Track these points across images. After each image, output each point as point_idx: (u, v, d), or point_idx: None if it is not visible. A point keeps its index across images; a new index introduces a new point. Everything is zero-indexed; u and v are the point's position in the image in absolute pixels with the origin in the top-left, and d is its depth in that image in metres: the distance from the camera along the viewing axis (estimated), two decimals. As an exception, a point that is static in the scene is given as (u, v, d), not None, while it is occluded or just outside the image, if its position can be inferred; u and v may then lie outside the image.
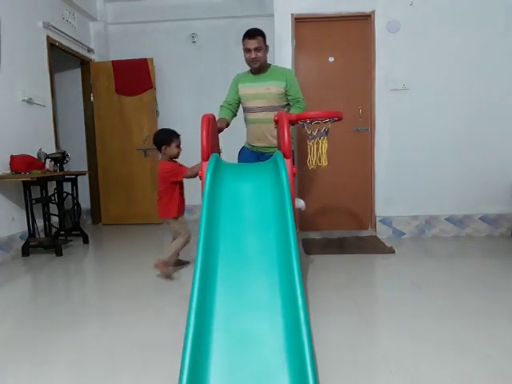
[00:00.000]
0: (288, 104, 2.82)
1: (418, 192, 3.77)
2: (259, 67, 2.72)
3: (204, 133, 2.05)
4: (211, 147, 2.07)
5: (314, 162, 2.25)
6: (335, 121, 2.24)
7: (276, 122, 2.29)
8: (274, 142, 2.74)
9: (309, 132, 2.25)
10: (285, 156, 2.01)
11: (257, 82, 2.76)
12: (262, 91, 2.73)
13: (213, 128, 2.25)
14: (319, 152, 2.24)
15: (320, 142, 2.23)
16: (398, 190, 3.78)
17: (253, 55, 2.65)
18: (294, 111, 2.70)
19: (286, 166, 1.89)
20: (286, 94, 2.76)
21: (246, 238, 1.77)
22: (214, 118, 2.30)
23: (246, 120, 2.92)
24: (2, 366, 1.65)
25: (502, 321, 1.94)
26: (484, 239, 3.64)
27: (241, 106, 2.93)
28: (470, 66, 3.64)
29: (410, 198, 3.78)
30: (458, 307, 2.11)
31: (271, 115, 2.47)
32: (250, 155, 2.92)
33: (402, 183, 3.77)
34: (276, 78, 2.74)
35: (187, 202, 2.91)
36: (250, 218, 1.83)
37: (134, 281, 2.71)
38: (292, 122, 2.23)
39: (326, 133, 2.24)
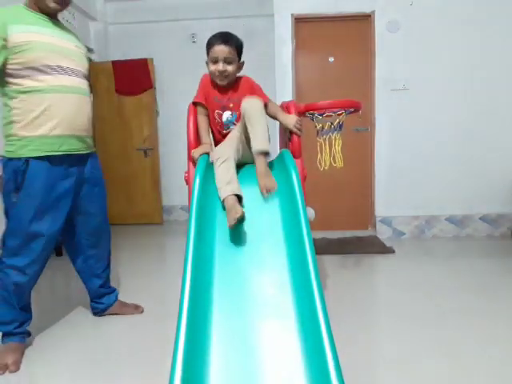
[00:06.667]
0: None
1: (418, 192, 3.77)
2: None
3: (191, 124, 1.68)
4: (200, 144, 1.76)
5: (327, 163, 1.93)
6: (351, 112, 1.91)
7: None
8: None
9: (318, 126, 1.89)
10: (294, 155, 1.66)
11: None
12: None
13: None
14: (333, 150, 1.93)
15: (333, 138, 1.91)
16: (398, 190, 3.78)
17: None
18: None
19: (296, 167, 1.52)
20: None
21: (249, 264, 1.35)
22: None
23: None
24: (2, 366, 1.65)
25: (502, 321, 1.94)
26: (484, 239, 3.63)
27: None
28: (470, 66, 3.63)
29: (410, 198, 3.78)
30: (457, 307, 2.11)
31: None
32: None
33: (402, 183, 3.77)
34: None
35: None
36: (253, 235, 1.43)
37: (133, 280, 2.71)
38: (298, 114, 1.84)
39: (340, 127, 1.91)
